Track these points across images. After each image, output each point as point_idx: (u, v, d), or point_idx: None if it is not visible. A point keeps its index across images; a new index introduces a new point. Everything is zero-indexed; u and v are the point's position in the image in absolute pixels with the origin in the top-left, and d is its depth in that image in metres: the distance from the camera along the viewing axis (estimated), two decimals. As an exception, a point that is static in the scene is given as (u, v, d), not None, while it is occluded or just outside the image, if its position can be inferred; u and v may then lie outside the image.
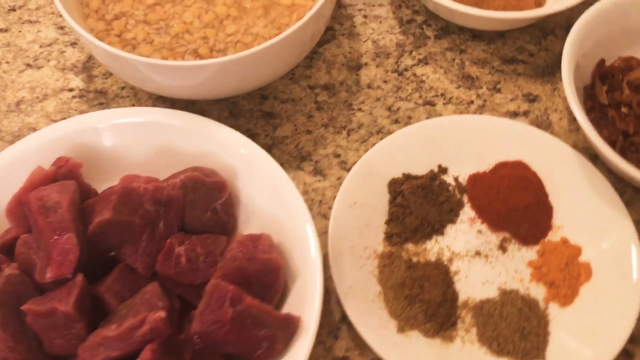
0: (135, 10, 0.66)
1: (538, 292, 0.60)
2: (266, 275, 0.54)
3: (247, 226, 0.61)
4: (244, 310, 0.50)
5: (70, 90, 0.72)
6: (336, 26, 0.77)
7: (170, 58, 0.63)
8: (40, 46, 0.75)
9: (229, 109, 0.71)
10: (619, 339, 0.55)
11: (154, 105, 0.71)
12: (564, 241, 0.62)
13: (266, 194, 0.59)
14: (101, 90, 0.72)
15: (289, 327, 0.52)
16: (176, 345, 0.51)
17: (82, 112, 0.71)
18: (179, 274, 0.54)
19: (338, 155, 0.68)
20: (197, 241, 0.56)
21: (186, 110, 0.70)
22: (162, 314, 0.48)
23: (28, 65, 0.74)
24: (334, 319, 0.60)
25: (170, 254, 0.55)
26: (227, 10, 0.65)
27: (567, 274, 0.60)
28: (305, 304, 0.53)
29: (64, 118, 0.67)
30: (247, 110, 0.71)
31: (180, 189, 0.57)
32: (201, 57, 0.63)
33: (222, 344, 0.50)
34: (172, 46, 0.63)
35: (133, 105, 0.71)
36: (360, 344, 0.58)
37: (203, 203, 0.58)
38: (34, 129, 0.69)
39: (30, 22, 0.77)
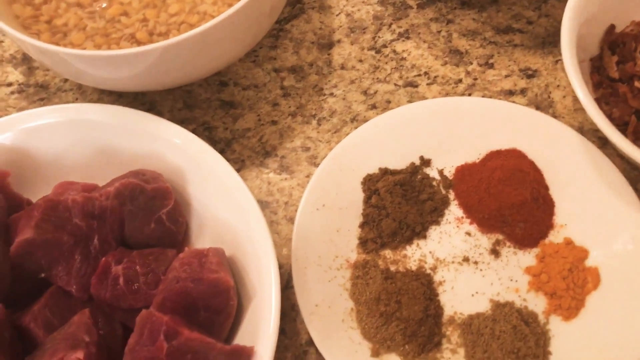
0: (67, -9, 0.57)
1: (537, 304, 0.52)
2: (215, 298, 0.47)
3: (201, 236, 0.54)
4: (182, 344, 0.43)
5: (9, 85, 0.65)
6: (305, -2, 0.67)
7: (104, 46, 0.55)
8: (-23, 36, 0.68)
9: (183, 99, 0.62)
10: (632, 358, 0.47)
11: (99, 98, 0.63)
12: (568, 242, 0.54)
13: (219, 199, 0.52)
14: (42, 84, 0.64)
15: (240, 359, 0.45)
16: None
17: (21, 109, 0.63)
18: (116, 298, 0.48)
19: (307, 149, 0.60)
20: (137, 258, 0.50)
21: (135, 102, 0.63)
22: (80, 355, 0.41)
23: (-37, 58, 0.66)
24: (300, 341, 0.52)
25: (106, 275, 0.48)
26: (172, -14, 0.57)
27: (571, 282, 0.51)
28: (260, 329, 0.46)
29: (1, 117, 0.60)
30: (203, 99, 0.62)
31: (114, 198, 0.50)
32: (139, 43, 0.54)
33: (159, 383, 0.43)
34: (107, 31, 0.55)
35: (77, 99, 0.63)
36: (331, 368, 0.50)
37: (145, 213, 0.51)
38: (-32, 131, 0.61)
39: (-34, 9, 0.69)
